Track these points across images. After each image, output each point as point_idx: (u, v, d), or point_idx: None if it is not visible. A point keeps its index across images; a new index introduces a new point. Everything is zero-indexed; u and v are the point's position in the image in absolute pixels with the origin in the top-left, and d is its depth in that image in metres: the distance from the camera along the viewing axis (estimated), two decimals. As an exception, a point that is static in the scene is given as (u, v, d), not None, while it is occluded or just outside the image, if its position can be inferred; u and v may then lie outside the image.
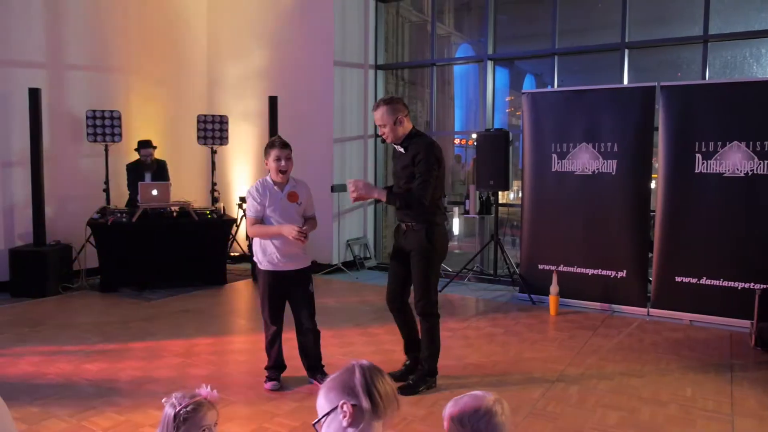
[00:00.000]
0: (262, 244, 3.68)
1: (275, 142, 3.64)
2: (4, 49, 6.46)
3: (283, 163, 3.62)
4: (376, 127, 8.18)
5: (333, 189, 7.46)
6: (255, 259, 3.74)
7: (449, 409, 1.47)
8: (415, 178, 3.51)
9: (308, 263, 3.77)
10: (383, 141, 3.72)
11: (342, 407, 1.36)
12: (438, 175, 3.54)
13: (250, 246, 7.73)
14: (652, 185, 5.69)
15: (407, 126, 3.62)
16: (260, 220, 3.65)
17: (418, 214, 3.59)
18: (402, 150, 3.62)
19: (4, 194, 6.50)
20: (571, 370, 4.14)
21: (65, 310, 5.71)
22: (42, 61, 6.81)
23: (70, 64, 7.06)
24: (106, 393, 3.69)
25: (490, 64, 7.43)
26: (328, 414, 1.37)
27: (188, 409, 1.62)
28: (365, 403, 1.34)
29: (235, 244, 8.17)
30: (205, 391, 1.70)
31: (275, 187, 3.66)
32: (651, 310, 5.59)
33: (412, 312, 3.83)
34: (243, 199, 8.02)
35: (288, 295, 3.75)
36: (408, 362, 3.91)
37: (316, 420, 1.39)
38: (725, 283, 5.28)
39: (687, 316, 5.42)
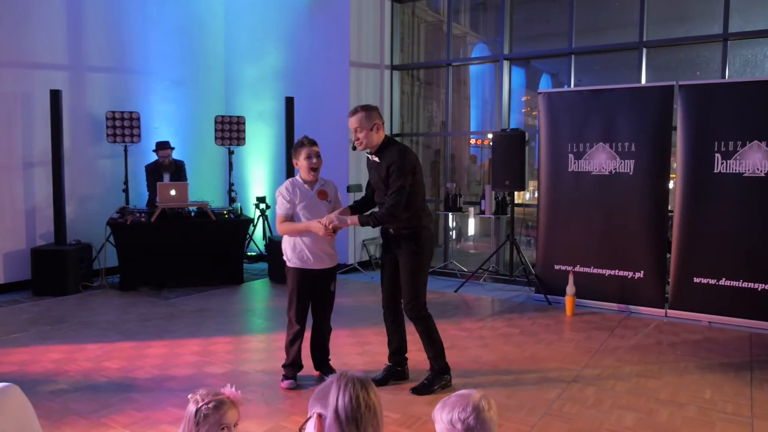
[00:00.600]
0: (291, 242, 3.71)
1: (304, 141, 3.70)
2: (26, 52, 6.55)
3: (314, 160, 3.68)
4: (392, 127, 8.18)
5: (349, 189, 7.48)
6: (284, 257, 3.76)
7: (438, 410, 1.48)
8: (389, 191, 3.51)
9: (336, 262, 3.80)
10: (353, 149, 3.70)
11: (314, 416, 1.37)
12: (415, 181, 3.55)
13: (266, 246, 7.78)
14: (670, 185, 5.64)
15: (381, 134, 3.63)
16: (290, 217, 3.68)
17: (404, 219, 3.60)
18: (377, 159, 3.62)
19: (26, 195, 6.59)
20: (587, 371, 4.12)
21: (85, 308, 5.78)
22: (63, 63, 6.90)
23: (91, 66, 7.15)
24: (126, 390, 3.73)
25: (506, 64, 7.40)
26: (305, 422, 1.39)
27: (209, 406, 1.64)
28: (330, 417, 1.34)
29: (252, 243, 8.22)
30: (228, 390, 1.72)
31: (305, 186, 3.72)
32: (669, 311, 5.54)
33: (402, 313, 3.83)
34: (260, 199, 8.06)
35: (314, 292, 3.79)
36: (390, 366, 3.90)
37: (300, 426, 1.41)
38: (744, 284, 5.21)
39: (706, 318, 5.36)
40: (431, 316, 3.72)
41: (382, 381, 3.81)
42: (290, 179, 3.77)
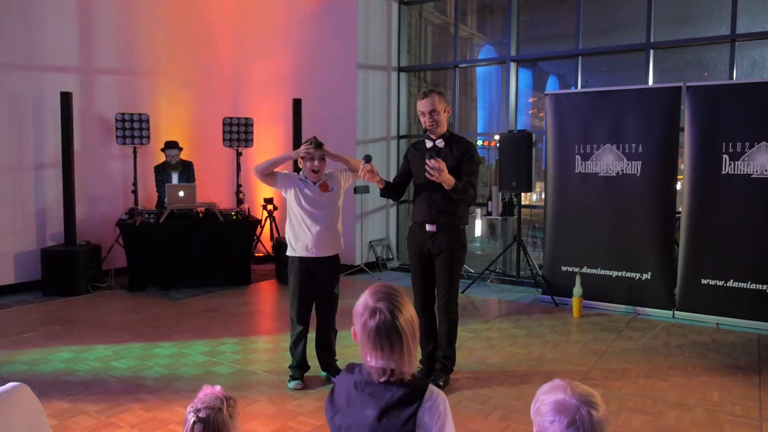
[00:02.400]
0: (294, 230, 3.73)
1: (310, 142, 3.71)
2: (37, 54, 6.59)
3: (316, 162, 3.69)
4: (399, 128, 8.19)
5: (356, 191, 7.47)
6: (288, 252, 3.77)
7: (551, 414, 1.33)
8: (466, 173, 3.55)
9: (340, 249, 3.80)
10: (425, 130, 3.70)
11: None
12: None
13: (274, 247, 7.79)
14: (678, 186, 5.61)
15: (447, 122, 3.71)
16: (277, 176, 3.73)
17: (454, 214, 3.60)
18: (441, 144, 3.64)
19: (36, 195, 6.63)
20: (594, 372, 4.09)
21: (94, 308, 5.80)
22: (74, 66, 6.94)
23: (101, 68, 7.18)
24: (134, 390, 3.74)
25: (513, 66, 7.38)
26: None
27: (202, 415, 1.59)
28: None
29: (259, 245, 8.23)
30: (219, 391, 1.66)
31: (307, 180, 3.74)
32: (676, 312, 5.50)
33: (436, 316, 3.82)
34: (267, 201, 8.07)
35: (316, 294, 3.78)
36: (424, 368, 3.86)
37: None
38: (753, 286, 5.17)
39: (713, 319, 5.32)
40: (459, 315, 3.77)
41: None
42: (297, 173, 3.81)
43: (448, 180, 3.43)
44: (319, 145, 3.72)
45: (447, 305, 3.65)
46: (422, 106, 3.62)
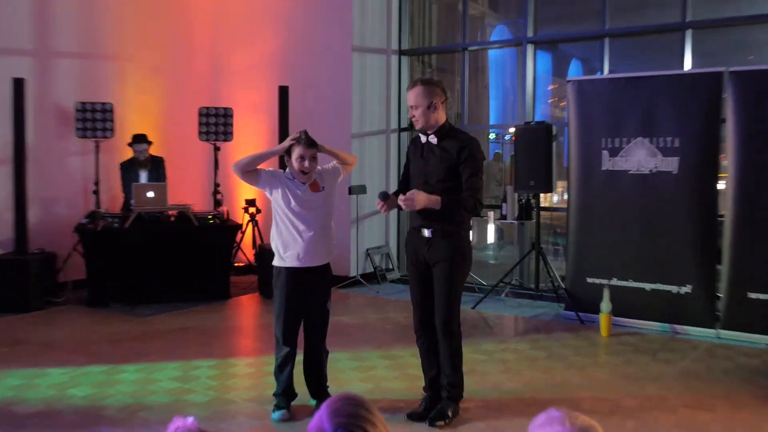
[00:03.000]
0: (282, 236, 3.70)
1: (300, 139, 3.68)
2: (-16, 35, 6.54)
3: (306, 163, 3.66)
4: (400, 120, 8.14)
5: (351, 191, 7.42)
6: (275, 261, 3.73)
7: None
8: (465, 178, 3.52)
9: (332, 254, 3.81)
10: (410, 126, 3.73)
11: None
12: None
13: (257, 255, 7.72)
14: (720, 186, 5.57)
15: (441, 115, 3.65)
16: (261, 173, 3.72)
17: (451, 218, 3.56)
18: (434, 141, 3.61)
19: (-17, 197, 6.58)
20: (627, 401, 4.05)
21: (49, 326, 5.74)
22: (27, 49, 6.88)
23: (58, 51, 7.13)
24: (94, 422, 3.68)
25: (530, 48, 7.34)
26: None
27: None
28: None
29: (240, 253, 8.17)
30: (181, 421, 1.60)
31: (295, 179, 3.71)
32: (721, 331, 5.46)
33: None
34: (249, 203, 8.02)
35: (305, 309, 3.75)
36: (427, 396, 3.81)
37: None
38: (808, 301, 5.12)
39: (764, 339, 5.27)
40: (461, 334, 3.69)
41: (424, 414, 3.71)
42: (279, 171, 3.78)
43: (429, 204, 3.47)
44: (311, 143, 3.67)
45: (446, 323, 3.61)
46: (408, 98, 3.65)
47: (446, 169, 3.55)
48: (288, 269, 3.70)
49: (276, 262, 3.74)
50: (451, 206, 3.49)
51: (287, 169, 3.76)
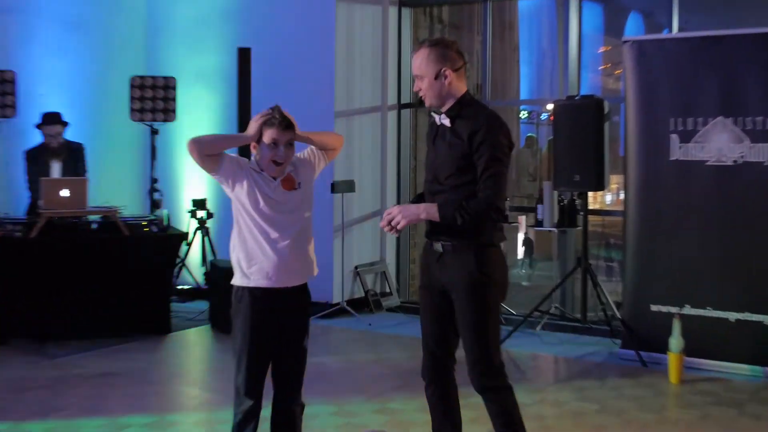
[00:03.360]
0: (247, 246, 3.66)
1: (274, 120, 3.63)
2: None
3: (281, 151, 3.61)
4: (400, 93, 8.13)
5: (334, 189, 7.40)
6: (235, 280, 3.69)
7: None
8: (480, 172, 3.42)
9: (312, 272, 3.80)
10: (420, 102, 3.69)
11: None
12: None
13: (207, 275, 7.68)
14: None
15: (457, 86, 3.55)
16: (224, 160, 3.69)
17: (465, 227, 3.50)
18: (446, 123, 3.56)
19: None
20: (705, 470, 4.04)
21: (-72, 371, 5.71)
22: None
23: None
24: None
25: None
26: None
27: None
28: None
29: (185, 272, 8.14)
30: None
31: (263, 174, 3.67)
32: (830, 376, 5.46)
33: (456, 385, 3.72)
34: (198, 204, 7.99)
35: (275, 347, 3.73)
36: None
37: None
38: None
39: None
40: (511, 387, 3.57)
41: None
42: (243, 159, 3.75)
43: (425, 217, 3.50)
44: (288, 123, 3.63)
45: (481, 375, 3.51)
46: (412, 65, 3.63)
47: (456, 161, 3.48)
48: (253, 290, 3.65)
49: (237, 281, 3.69)
50: (449, 218, 3.43)
51: (252, 158, 3.73)
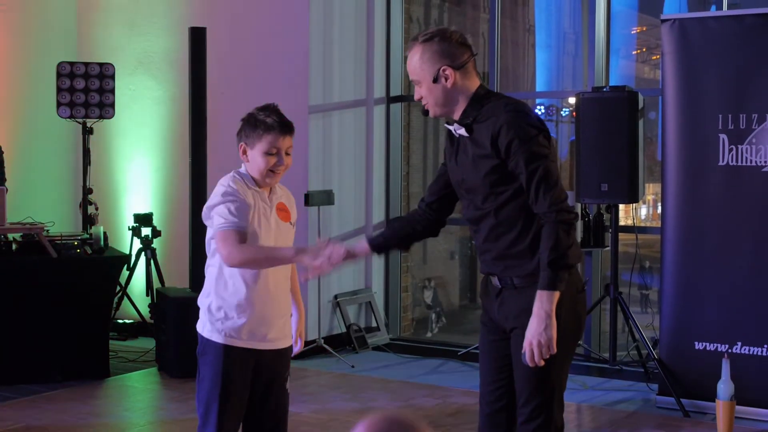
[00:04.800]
0: (227, 291, 3.63)
1: (273, 123, 3.61)
2: None
3: (282, 160, 3.64)
4: (389, 84, 8.16)
5: (309, 200, 7.42)
6: (203, 329, 3.67)
7: None
8: (526, 180, 3.32)
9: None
10: (425, 113, 3.62)
11: None
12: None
13: (152, 307, 7.65)
14: None
15: (464, 85, 3.45)
16: (245, 234, 3.56)
17: (531, 254, 3.40)
18: (463, 133, 3.47)
19: None
20: None
21: None
22: None
23: None
24: None
25: (601, -32, 7.43)
26: None
27: None
28: None
29: (125, 302, 8.13)
30: None
31: (259, 191, 3.67)
32: None
33: None
34: (141, 219, 7.98)
35: (252, 396, 3.73)
36: None
37: None
38: None
39: None
40: None
41: None
42: (232, 175, 3.70)
43: (548, 322, 3.31)
44: (288, 126, 3.66)
45: (534, 430, 3.50)
46: (408, 69, 3.57)
47: (487, 178, 3.39)
48: (232, 351, 3.64)
49: (206, 332, 3.66)
50: (557, 277, 3.30)
51: (243, 167, 3.73)
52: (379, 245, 3.75)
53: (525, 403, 3.48)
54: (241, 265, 3.55)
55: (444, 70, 3.43)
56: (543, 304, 3.27)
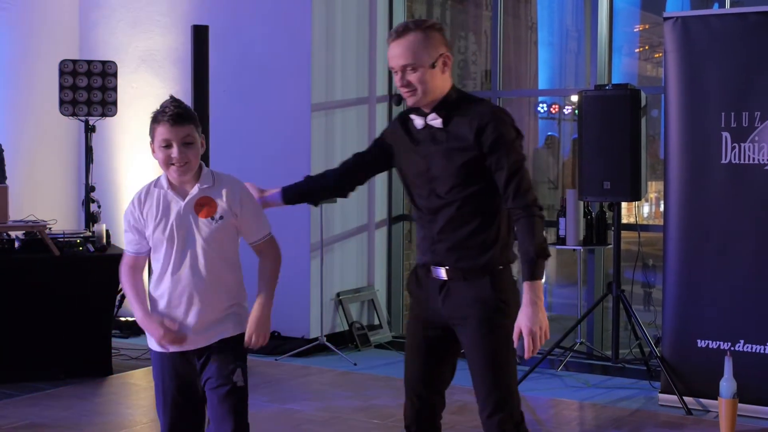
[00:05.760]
0: (152, 296, 3.70)
1: (163, 114, 3.55)
2: None
3: (175, 152, 3.54)
4: (391, 83, 8.15)
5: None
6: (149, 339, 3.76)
7: None
8: (503, 180, 3.43)
9: (231, 332, 3.67)
10: (398, 102, 3.67)
11: None
12: None
13: (156, 304, 7.67)
14: None
15: (448, 77, 3.58)
16: (139, 260, 3.74)
17: (485, 246, 3.53)
18: (437, 124, 3.56)
19: None
20: None
21: None
22: None
23: None
24: None
25: (603, -34, 7.42)
26: None
27: None
28: None
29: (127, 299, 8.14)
30: None
31: (172, 192, 3.63)
32: None
33: None
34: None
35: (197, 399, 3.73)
36: None
37: None
38: None
39: None
40: None
41: None
42: (150, 183, 3.72)
43: (536, 303, 3.43)
44: (180, 114, 3.56)
45: (502, 423, 3.54)
46: (390, 55, 3.59)
47: (460, 169, 3.49)
48: (156, 354, 3.73)
49: (149, 341, 3.75)
50: (538, 265, 3.43)
51: (163, 174, 3.69)
52: (290, 197, 3.87)
53: (489, 393, 3.55)
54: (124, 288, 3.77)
55: (445, 56, 3.55)
56: (532, 294, 3.40)
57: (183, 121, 3.55)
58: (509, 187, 3.43)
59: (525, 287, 3.40)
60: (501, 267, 3.58)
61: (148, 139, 3.64)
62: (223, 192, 3.66)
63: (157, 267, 3.65)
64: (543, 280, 3.45)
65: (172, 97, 3.64)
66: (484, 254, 3.55)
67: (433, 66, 3.52)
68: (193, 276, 3.57)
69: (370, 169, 3.97)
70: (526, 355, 3.38)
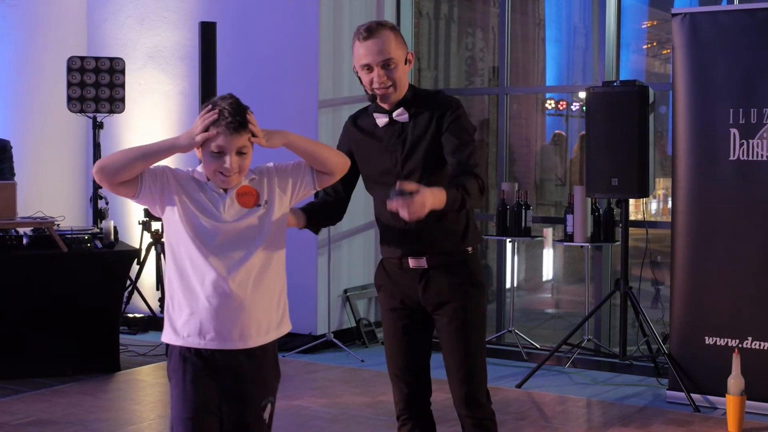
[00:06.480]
0: (177, 290, 3.30)
1: (222, 115, 3.19)
2: None
3: (227, 162, 3.21)
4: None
5: (318, 194, 7.41)
6: (165, 335, 3.38)
7: None
8: (451, 149, 3.58)
9: (284, 327, 3.47)
10: (373, 100, 3.75)
11: None
12: None
13: (163, 300, 7.67)
14: None
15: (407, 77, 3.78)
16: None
17: (457, 230, 3.69)
18: (404, 119, 3.70)
19: None
20: None
21: None
22: None
23: None
24: None
25: (611, -38, 7.41)
26: None
27: None
28: None
29: (135, 295, 8.15)
30: None
31: (209, 183, 3.32)
32: None
33: (435, 423, 3.89)
34: (150, 214, 7.99)
35: (220, 421, 3.35)
36: None
37: None
38: None
39: None
40: (495, 415, 3.77)
41: None
42: (189, 170, 3.41)
43: (435, 203, 3.33)
44: (239, 123, 3.21)
45: (471, 397, 3.67)
46: (365, 53, 3.62)
47: (427, 156, 3.66)
48: (184, 351, 3.33)
49: (166, 337, 3.38)
50: (457, 201, 3.45)
51: (199, 166, 3.36)
52: (311, 227, 4.11)
53: (461, 374, 3.69)
54: (104, 166, 3.21)
55: (411, 55, 3.77)
56: (437, 195, 3.32)
57: (242, 129, 3.22)
58: (458, 154, 3.57)
59: (444, 192, 3.35)
60: (471, 250, 3.77)
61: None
62: (265, 180, 3.41)
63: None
64: (443, 206, 3.37)
65: (230, 95, 3.27)
66: (459, 239, 3.73)
67: (405, 63, 3.71)
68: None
69: (351, 182, 4.08)
70: (402, 209, 3.24)
